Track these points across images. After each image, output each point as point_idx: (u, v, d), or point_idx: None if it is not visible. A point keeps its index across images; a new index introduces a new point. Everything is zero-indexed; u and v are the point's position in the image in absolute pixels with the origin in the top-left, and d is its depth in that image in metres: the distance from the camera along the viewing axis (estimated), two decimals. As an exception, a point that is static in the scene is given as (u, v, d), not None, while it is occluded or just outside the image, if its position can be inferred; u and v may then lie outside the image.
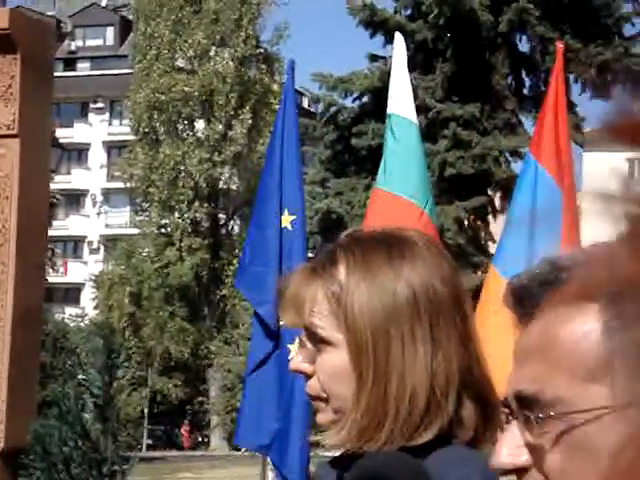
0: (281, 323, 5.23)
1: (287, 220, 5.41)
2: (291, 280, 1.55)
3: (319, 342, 1.52)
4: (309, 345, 1.54)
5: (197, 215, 41.20)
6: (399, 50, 5.33)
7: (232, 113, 40.78)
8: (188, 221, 41.15)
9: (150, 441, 39.09)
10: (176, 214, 41.27)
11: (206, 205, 41.19)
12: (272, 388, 5.39)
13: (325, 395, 1.52)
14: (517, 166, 16.83)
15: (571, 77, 16.77)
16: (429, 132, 16.15)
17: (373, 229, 1.59)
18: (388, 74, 5.56)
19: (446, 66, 17.31)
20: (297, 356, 1.57)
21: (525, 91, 18.19)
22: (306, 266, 1.58)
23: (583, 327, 0.89)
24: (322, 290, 1.51)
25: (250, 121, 40.53)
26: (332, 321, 1.50)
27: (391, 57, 5.58)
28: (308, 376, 1.54)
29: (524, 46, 18.05)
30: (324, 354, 1.51)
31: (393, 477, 1.37)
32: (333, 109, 18.07)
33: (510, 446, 0.92)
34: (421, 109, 16.21)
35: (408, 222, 4.43)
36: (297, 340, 5.38)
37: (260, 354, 5.40)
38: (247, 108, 40.69)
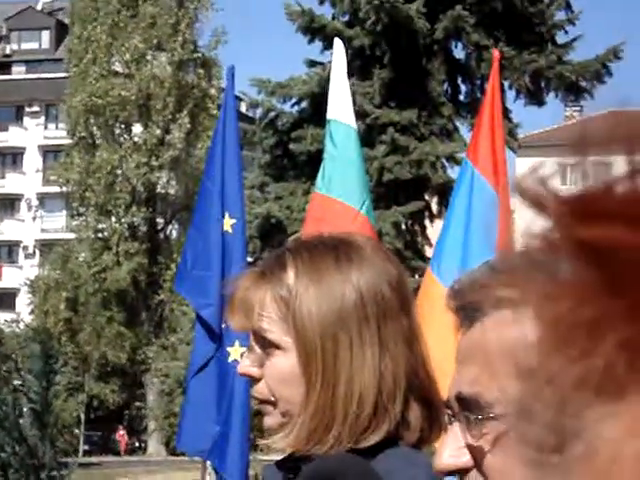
0: (222, 326, 5.25)
1: (228, 224, 5.43)
2: (240, 284, 1.55)
3: (268, 346, 1.52)
4: (257, 349, 1.54)
5: (134, 220, 40.88)
6: (338, 56, 5.37)
7: (170, 117, 40.56)
8: (125, 226, 40.83)
9: (87, 447, 38.67)
10: (113, 219, 40.90)
11: (144, 210, 40.88)
12: (212, 391, 5.40)
13: (273, 399, 1.52)
14: (453, 171, 17.03)
15: (505, 84, 17.01)
16: (367, 138, 16.25)
17: (321, 234, 1.60)
18: (326, 80, 5.61)
19: (383, 72, 17.44)
20: (245, 360, 1.57)
21: (461, 97, 18.39)
22: (255, 270, 1.58)
23: (519, 330, 0.90)
24: (271, 294, 1.51)
25: (188, 125, 40.35)
26: (281, 325, 1.51)
27: (329, 63, 5.63)
28: (256, 380, 1.55)
29: (460, 53, 18.28)
30: (273, 358, 1.52)
31: (345, 479, 1.39)
32: (272, 114, 18.08)
33: (452, 447, 0.94)
34: (359, 115, 16.27)
35: (344, 224, 4.49)
36: (237, 343, 5.37)
37: (202, 357, 5.41)
38: (185, 112, 40.50)
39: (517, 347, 0.91)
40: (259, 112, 18.86)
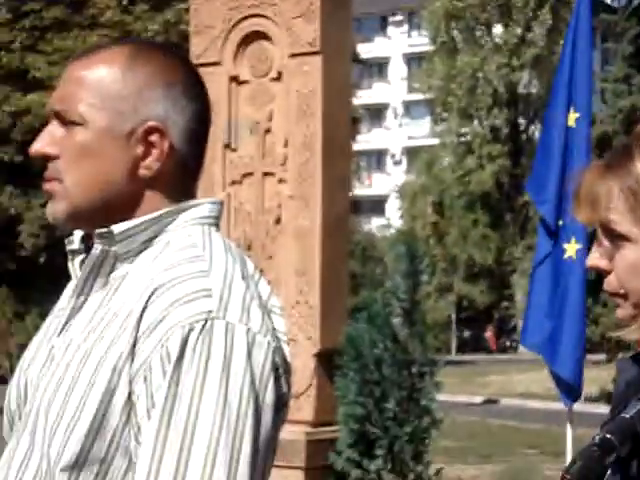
0: (559, 223, 5.24)
1: (572, 118, 5.34)
2: (585, 177, 1.54)
3: (616, 238, 1.51)
4: (605, 242, 1.53)
5: (496, 122, 40.69)
6: None
7: (530, 15, 39.67)
8: (487, 128, 40.83)
9: (459, 345, 39.91)
10: (475, 122, 41.03)
11: (505, 111, 40.59)
12: (547, 287, 5.42)
13: (623, 291, 1.51)
14: None
15: None
16: None
17: None
18: None
19: None
20: (594, 253, 1.57)
21: None
22: (600, 162, 1.56)
23: None
24: (618, 185, 1.49)
25: (549, 22, 39.25)
26: (629, 217, 1.49)
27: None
28: (606, 272, 1.54)
29: None
30: (622, 250, 1.50)
31: None
32: (636, 2, 17.21)
33: None
34: None
35: None
36: (573, 239, 5.33)
37: (542, 253, 5.46)
38: (546, 9, 39.39)
39: None
40: (622, 1, 18.02)
